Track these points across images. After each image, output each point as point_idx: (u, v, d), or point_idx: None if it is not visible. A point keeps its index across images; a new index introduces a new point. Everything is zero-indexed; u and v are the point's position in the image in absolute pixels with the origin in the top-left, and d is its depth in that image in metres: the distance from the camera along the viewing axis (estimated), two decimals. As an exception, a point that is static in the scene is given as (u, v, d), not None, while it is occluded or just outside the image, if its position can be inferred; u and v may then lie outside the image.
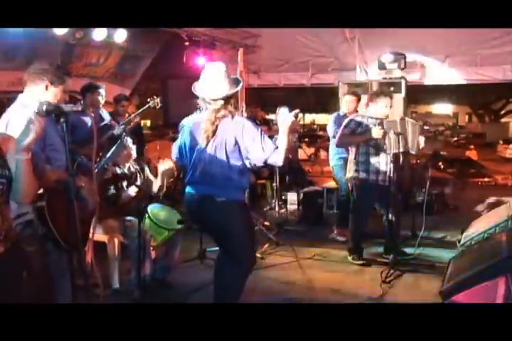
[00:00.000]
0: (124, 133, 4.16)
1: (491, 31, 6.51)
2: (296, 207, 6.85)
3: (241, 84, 3.11)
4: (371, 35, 7.00)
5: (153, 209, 4.08)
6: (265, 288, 4.11)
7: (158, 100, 4.54)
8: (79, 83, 4.80)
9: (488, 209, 5.57)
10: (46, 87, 2.74)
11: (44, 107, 2.38)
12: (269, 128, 7.87)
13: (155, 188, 3.96)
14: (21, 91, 2.82)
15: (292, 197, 7.10)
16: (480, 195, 8.55)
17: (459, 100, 32.69)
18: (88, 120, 4.09)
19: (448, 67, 7.29)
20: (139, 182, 4.03)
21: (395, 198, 4.54)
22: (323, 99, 24.33)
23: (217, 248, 3.31)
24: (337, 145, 5.10)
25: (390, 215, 4.65)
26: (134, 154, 4.14)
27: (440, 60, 7.30)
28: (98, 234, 3.61)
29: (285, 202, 7.16)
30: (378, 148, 4.53)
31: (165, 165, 3.47)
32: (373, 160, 4.55)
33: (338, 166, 5.58)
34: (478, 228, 4.66)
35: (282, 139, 2.94)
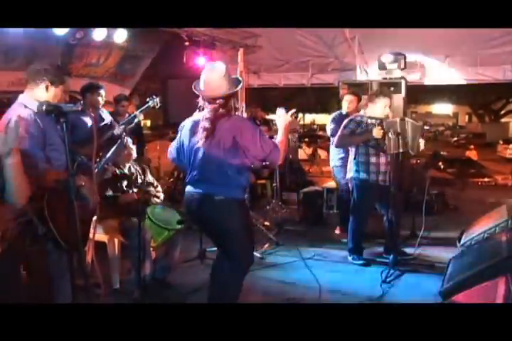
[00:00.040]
0: (124, 134, 4.16)
1: (491, 31, 6.50)
2: (296, 207, 6.85)
3: (241, 84, 3.12)
4: (371, 35, 6.99)
5: (153, 209, 4.08)
6: (265, 288, 4.11)
7: (157, 99, 4.53)
8: (79, 83, 4.79)
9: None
10: (46, 87, 2.74)
11: (44, 107, 2.38)
12: (269, 129, 7.85)
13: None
14: (21, 92, 2.82)
15: (292, 197, 7.09)
16: (480, 194, 8.57)
17: (459, 100, 32.72)
18: (88, 120, 4.09)
19: (448, 67, 7.28)
20: (139, 183, 4.03)
21: (395, 198, 4.54)
22: (323, 99, 24.37)
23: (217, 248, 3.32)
24: (336, 146, 5.10)
25: (390, 215, 4.65)
26: (135, 154, 4.14)
27: (440, 60, 7.29)
28: (98, 234, 3.60)
29: (285, 202, 7.16)
30: (378, 148, 4.53)
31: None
32: (373, 160, 4.55)
33: (339, 167, 5.58)
34: (478, 228, 4.67)
35: (281, 139, 3.06)
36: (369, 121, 4.57)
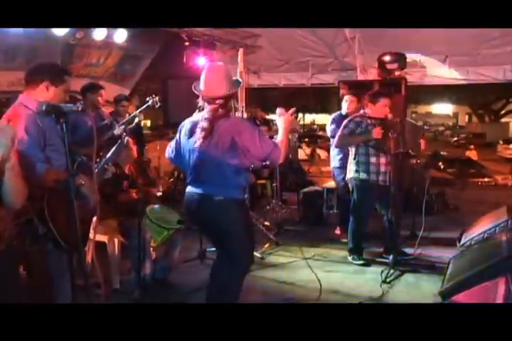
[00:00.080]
0: (124, 134, 4.16)
1: (491, 31, 6.49)
2: (296, 207, 6.85)
3: (240, 85, 3.13)
4: (371, 35, 6.99)
5: (153, 209, 4.08)
6: (265, 288, 4.11)
7: (157, 98, 4.53)
8: (79, 83, 4.80)
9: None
10: (47, 87, 2.74)
11: (44, 107, 2.38)
12: (269, 129, 7.86)
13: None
14: (21, 92, 2.82)
15: (292, 197, 7.09)
16: (480, 194, 8.58)
17: (459, 100, 32.73)
18: (88, 120, 4.09)
19: (448, 67, 7.28)
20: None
21: (395, 198, 4.54)
22: (323, 99, 24.39)
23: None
24: (336, 146, 5.10)
25: (389, 215, 4.65)
26: (135, 154, 4.13)
27: (440, 60, 7.29)
28: (98, 234, 3.60)
29: (285, 202, 7.16)
30: (378, 148, 4.53)
31: None
32: (373, 160, 4.55)
33: (339, 167, 5.57)
34: (478, 228, 4.67)
35: (282, 138, 3.06)
36: (369, 121, 4.57)
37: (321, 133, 24.70)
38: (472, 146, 17.10)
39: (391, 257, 4.46)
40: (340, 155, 5.45)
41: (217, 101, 2.99)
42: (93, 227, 2.82)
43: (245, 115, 8.01)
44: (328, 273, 4.45)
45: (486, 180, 10.62)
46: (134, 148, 4.06)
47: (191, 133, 3.06)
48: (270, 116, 14.62)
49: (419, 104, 36.27)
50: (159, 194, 4.20)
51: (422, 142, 4.93)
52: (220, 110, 2.98)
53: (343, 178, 5.17)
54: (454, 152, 17.75)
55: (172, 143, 3.25)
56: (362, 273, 4.53)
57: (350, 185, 4.83)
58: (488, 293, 2.86)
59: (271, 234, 5.51)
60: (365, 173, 4.58)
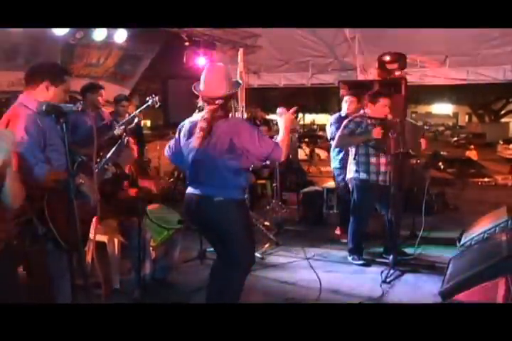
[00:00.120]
0: (124, 134, 4.16)
1: (491, 31, 6.49)
2: (296, 207, 6.85)
3: (240, 86, 3.14)
4: (371, 35, 6.99)
5: (153, 209, 4.08)
6: (265, 288, 4.11)
7: (157, 98, 4.53)
8: (79, 83, 4.80)
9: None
10: (47, 87, 2.74)
11: (44, 107, 2.38)
12: (269, 129, 7.86)
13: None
14: (21, 92, 2.82)
15: (292, 197, 7.09)
16: (480, 194, 8.58)
17: (459, 100, 32.74)
18: (88, 120, 4.09)
19: (448, 67, 7.28)
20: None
21: (395, 198, 4.54)
22: (323, 99, 24.40)
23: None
24: (336, 146, 5.10)
25: (389, 215, 4.65)
26: (135, 155, 4.13)
27: (440, 60, 7.29)
28: (98, 234, 3.60)
29: (285, 202, 7.15)
30: (378, 148, 4.53)
31: None
32: (373, 160, 4.55)
33: (339, 167, 5.57)
34: (478, 228, 4.67)
35: (282, 136, 3.04)
36: (369, 121, 4.57)
37: (321, 133, 24.71)
38: (472, 146, 17.12)
39: (391, 257, 4.46)
40: (341, 156, 5.44)
41: (217, 102, 2.99)
42: (93, 227, 2.82)
43: (245, 115, 8.02)
44: (328, 273, 4.45)
45: (486, 180, 10.63)
46: (135, 148, 4.07)
47: (190, 133, 3.06)
48: (270, 116, 14.64)
49: (419, 104, 36.28)
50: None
51: (423, 141, 4.93)
52: (219, 110, 2.98)
53: (343, 178, 5.17)
54: (454, 152, 17.76)
55: (171, 142, 3.26)
56: (362, 273, 4.52)
57: (350, 185, 4.83)
58: (488, 293, 2.86)
59: (271, 234, 5.51)
60: (365, 173, 4.58)
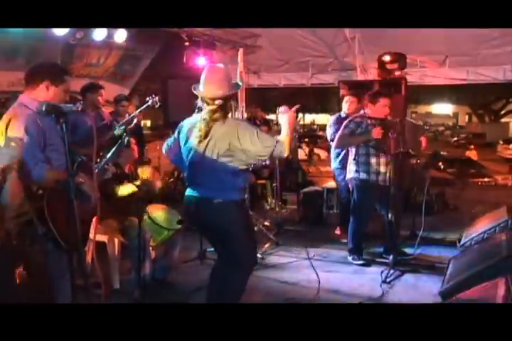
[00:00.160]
0: (124, 134, 4.16)
1: (491, 31, 6.49)
2: (296, 207, 6.85)
3: (240, 88, 3.13)
4: (371, 35, 6.99)
5: (153, 209, 4.08)
6: (265, 288, 4.11)
7: (157, 99, 4.52)
8: (79, 83, 4.79)
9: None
10: (47, 87, 2.74)
11: (44, 107, 2.38)
12: (269, 129, 7.86)
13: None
14: (21, 92, 2.82)
15: (292, 197, 7.08)
16: (480, 194, 8.58)
17: (459, 100, 32.74)
18: (88, 120, 4.09)
19: (448, 67, 7.28)
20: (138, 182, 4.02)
21: (395, 198, 4.54)
22: (323, 99, 24.39)
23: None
24: (336, 146, 5.09)
25: (390, 215, 4.65)
26: (136, 155, 4.13)
27: (440, 60, 7.30)
28: (98, 234, 3.60)
29: (285, 202, 7.15)
30: (378, 148, 4.53)
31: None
32: (373, 160, 4.55)
33: (339, 168, 5.57)
34: (478, 228, 4.67)
35: (286, 132, 2.98)
36: (369, 121, 4.57)
37: (321, 133, 24.71)
38: (472, 146, 17.12)
39: (391, 257, 4.46)
40: (341, 156, 5.44)
41: (216, 102, 2.98)
42: (93, 227, 2.82)
43: (245, 115, 8.02)
44: (328, 273, 4.45)
45: (486, 180, 10.63)
46: (136, 149, 4.06)
47: (189, 134, 3.05)
48: (270, 116, 14.64)
49: (419, 104, 36.28)
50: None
51: (423, 140, 4.91)
52: (218, 111, 2.97)
53: (344, 178, 5.17)
54: (454, 152, 17.76)
55: (170, 140, 3.25)
56: (362, 273, 4.52)
57: (350, 185, 4.83)
58: (488, 293, 2.86)
59: (271, 234, 5.51)
60: (365, 173, 4.58)
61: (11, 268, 2.24)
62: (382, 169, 4.53)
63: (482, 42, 6.81)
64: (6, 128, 2.60)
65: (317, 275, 4.00)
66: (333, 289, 4.06)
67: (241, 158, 2.96)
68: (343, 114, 5.59)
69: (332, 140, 5.21)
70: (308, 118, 38.93)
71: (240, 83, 3.28)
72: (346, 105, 5.61)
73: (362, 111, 4.76)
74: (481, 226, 4.65)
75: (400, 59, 6.93)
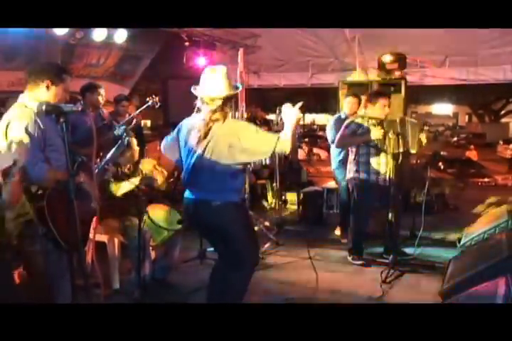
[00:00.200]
0: (124, 134, 4.16)
1: (491, 31, 6.50)
2: (296, 207, 6.85)
3: (240, 89, 3.12)
4: (371, 35, 6.99)
5: (153, 209, 4.08)
6: (265, 288, 4.11)
7: (157, 99, 4.53)
8: (79, 83, 4.79)
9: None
10: (47, 87, 2.74)
11: (44, 107, 2.38)
12: (269, 129, 7.86)
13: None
14: (21, 91, 2.82)
15: (292, 197, 7.09)
16: (480, 195, 8.56)
17: (459, 100, 32.69)
18: (88, 120, 4.09)
19: (448, 67, 7.29)
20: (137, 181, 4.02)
21: (395, 198, 4.54)
22: (323, 99, 24.35)
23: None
24: (337, 147, 5.09)
25: (389, 215, 4.65)
26: (137, 155, 4.13)
27: (440, 60, 7.30)
28: (98, 234, 3.60)
29: (285, 202, 7.16)
30: (378, 148, 4.53)
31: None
32: (373, 160, 4.55)
33: (340, 169, 5.56)
34: (478, 228, 4.67)
35: (290, 128, 2.88)
36: (369, 121, 4.57)
37: (320, 133, 24.66)
38: (472, 146, 17.09)
39: (391, 257, 4.46)
40: (341, 156, 5.44)
41: (216, 103, 2.98)
42: (93, 227, 2.82)
43: (245, 115, 8.02)
44: (328, 273, 4.45)
45: (486, 180, 10.62)
46: (137, 149, 4.07)
47: (188, 135, 3.05)
48: (270, 116, 14.64)
49: (419, 104, 36.22)
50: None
51: (422, 137, 4.91)
52: (217, 112, 2.97)
53: (344, 178, 5.17)
54: (454, 152, 17.72)
55: (169, 139, 3.24)
56: (362, 273, 4.52)
57: (350, 185, 4.83)
58: (488, 293, 2.86)
59: (271, 234, 5.51)
60: (365, 173, 4.58)
61: (11, 268, 2.24)
62: (382, 169, 4.53)
63: (482, 42, 6.82)
64: (6, 129, 2.60)
65: (316, 273, 3.99)
66: (333, 289, 4.06)
67: (241, 158, 2.96)
68: (343, 115, 5.59)
69: (333, 142, 5.20)
70: (308, 118, 38.90)
71: (240, 85, 3.26)
72: (347, 106, 5.61)
73: (362, 112, 4.76)
74: (481, 226, 4.66)
75: (400, 59, 6.93)
